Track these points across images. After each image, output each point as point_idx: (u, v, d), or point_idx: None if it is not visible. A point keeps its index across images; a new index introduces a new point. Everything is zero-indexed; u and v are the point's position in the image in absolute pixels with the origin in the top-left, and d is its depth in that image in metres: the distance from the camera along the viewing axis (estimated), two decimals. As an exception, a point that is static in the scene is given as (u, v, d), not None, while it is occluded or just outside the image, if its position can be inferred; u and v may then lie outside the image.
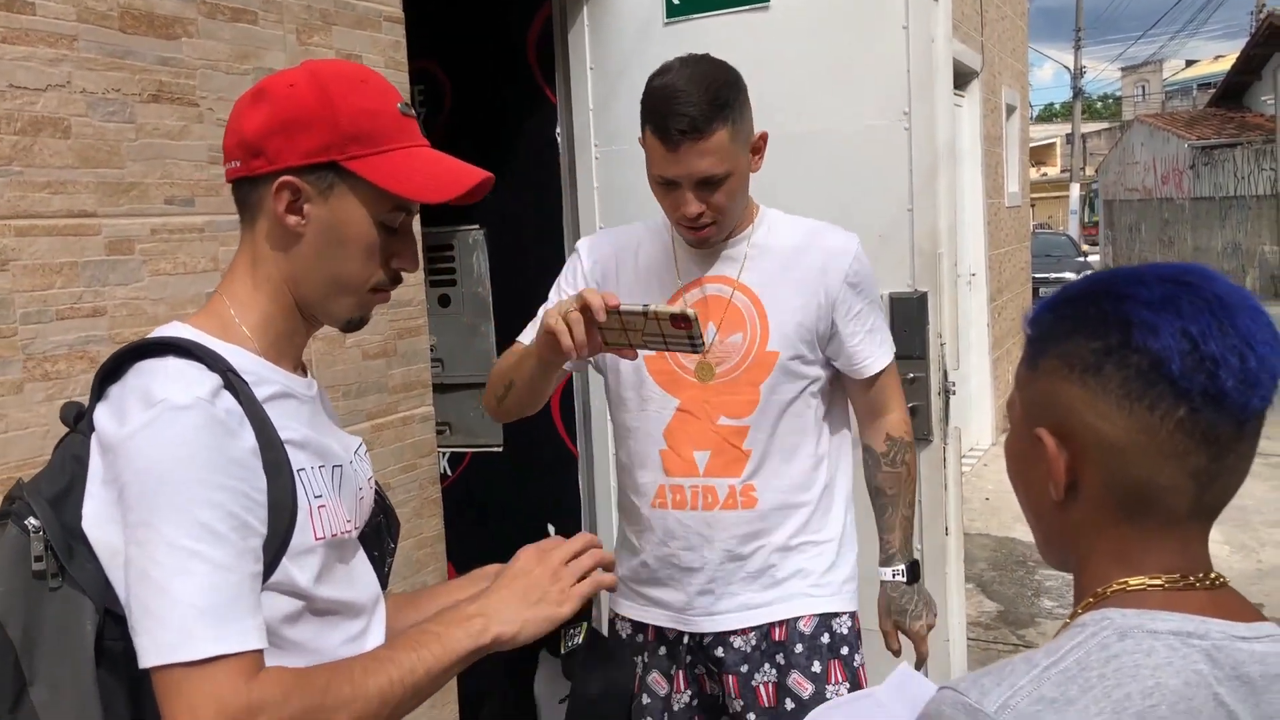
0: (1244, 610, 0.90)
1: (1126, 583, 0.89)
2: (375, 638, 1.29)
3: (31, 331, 1.67)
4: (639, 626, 2.12)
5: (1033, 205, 13.82)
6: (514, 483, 3.38)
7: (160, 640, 1.01)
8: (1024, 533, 6.45)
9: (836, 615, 2.05)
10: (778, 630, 2.03)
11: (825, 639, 2.04)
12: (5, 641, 1.05)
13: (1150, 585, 0.88)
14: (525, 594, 1.22)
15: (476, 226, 3.34)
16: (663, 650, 2.09)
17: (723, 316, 2.00)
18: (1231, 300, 0.86)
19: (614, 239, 2.15)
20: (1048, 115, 51.65)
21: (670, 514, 2.02)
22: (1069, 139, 30.13)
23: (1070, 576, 0.97)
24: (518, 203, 3.12)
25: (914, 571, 2.14)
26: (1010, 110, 9.36)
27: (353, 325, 1.26)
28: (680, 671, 2.08)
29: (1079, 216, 24.58)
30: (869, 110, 2.68)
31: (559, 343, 1.68)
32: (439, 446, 2.93)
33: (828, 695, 2.07)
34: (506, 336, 3.36)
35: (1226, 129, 22.08)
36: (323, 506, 1.18)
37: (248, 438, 1.09)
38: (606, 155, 3.04)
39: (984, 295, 8.31)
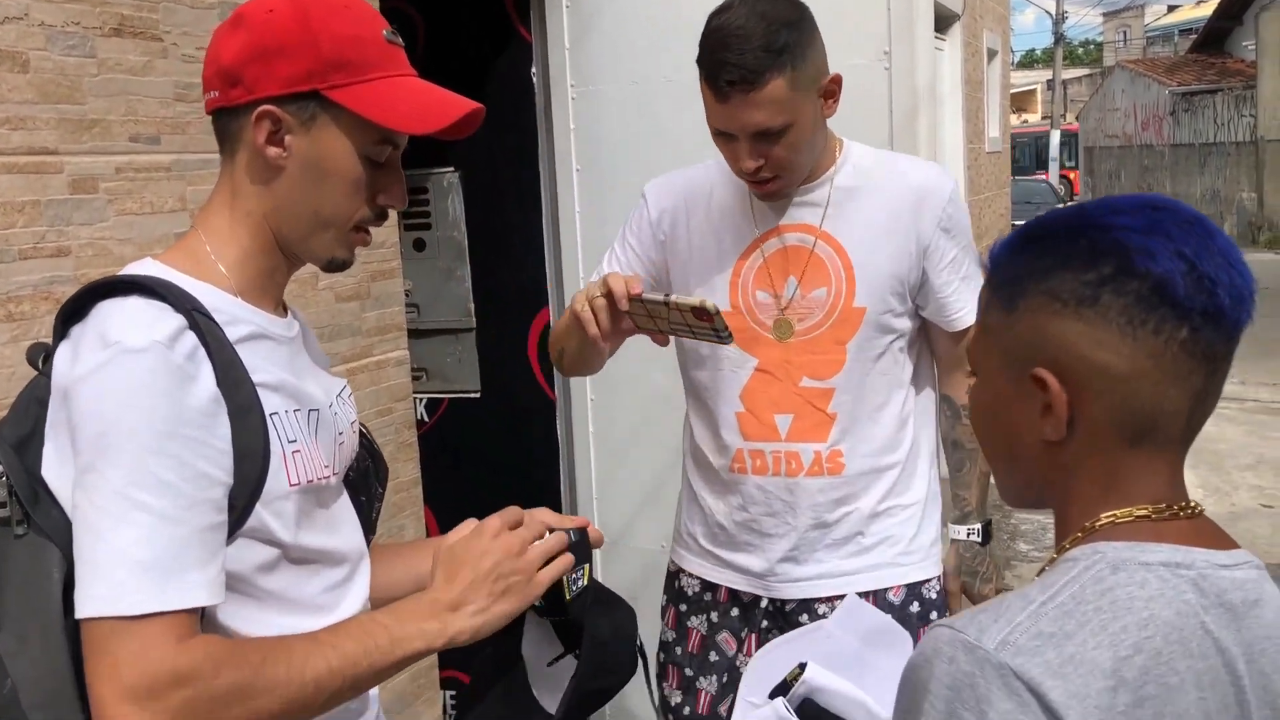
0: (1221, 538, 0.92)
1: (1115, 515, 0.89)
2: (359, 586, 1.26)
3: (-7, 272, 1.63)
4: (709, 585, 2.02)
5: (1013, 151, 13.80)
6: (491, 428, 3.37)
7: (96, 592, 0.97)
8: (1000, 477, 6.49)
9: (925, 582, 1.97)
10: (866, 597, 1.91)
11: (915, 607, 1.96)
12: None
13: (1139, 516, 0.89)
14: (490, 582, 1.15)
15: (451, 169, 3.30)
16: (735, 612, 2.01)
17: (804, 269, 1.85)
18: (1205, 222, 0.89)
19: (684, 182, 1.98)
20: (1029, 61, 51.49)
21: (750, 479, 1.91)
22: (1050, 85, 30.00)
23: (1045, 519, 0.97)
24: (493, 144, 3.08)
25: (988, 532, 2.04)
26: (991, 55, 9.30)
27: (335, 265, 1.21)
28: (752, 635, 1.99)
29: (1058, 163, 24.53)
30: (848, 49, 2.64)
31: (585, 329, 1.63)
32: (415, 392, 2.91)
33: None
34: (482, 281, 3.34)
35: (1207, 75, 22.07)
36: (297, 451, 1.14)
37: (208, 383, 1.04)
38: (583, 95, 3.00)
39: (963, 241, 8.30)
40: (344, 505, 1.27)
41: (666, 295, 1.57)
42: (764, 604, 1.96)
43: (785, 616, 1.96)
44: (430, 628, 1.11)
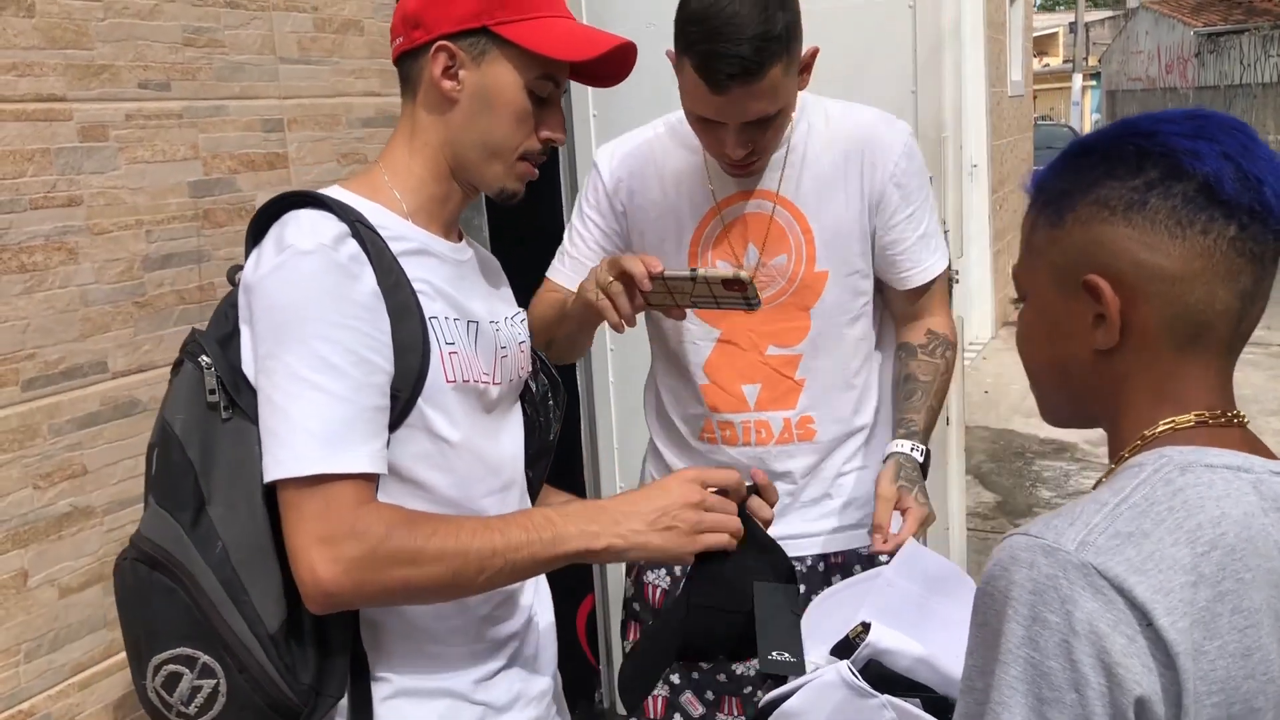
0: (1265, 448, 0.94)
1: (1175, 422, 0.91)
2: (515, 499, 1.38)
3: (4, 222, 1.60)
4: None
5: (1035, 96, 13.59)
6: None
7: (279, 457, 1.13)
8: (1022, 425, 6.46)
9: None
10: (835, 555, 1.91)
11: (884, 558, 1.84)
12: (186, 462, 1.18)
13: (1198, 422, 0.91)
14: (657, 518, 1.22)
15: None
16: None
17: (765, 237, 1.80)
18: (1248, 128, 0.90)
19: (635, 147, 1.90)
20: (1050, 4, 50.58)
21: (720, 449, 1.88)
22: (1072, 28, 29.51)
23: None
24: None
25: (928, 461, 1.93)
26: (1014, -4, 9.13)
27: (506, 195, 1.35)
28: None
29: (1080, 108, 24.20)
30: (872, -14, 2.58)
31: (602, 316, 1.58)
32: (434, 342, 2.88)
33: None
34: (501, 231, 3.30)
35: (1234, 14, 21.63)
36: (454, 353, 1.26)
37: (369, 282, 1.19)
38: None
39: (985, 187, 8.20)
40: (511, 417, 1.40)
41: (693, 270, 1.53)
42: None
43: None
44: (590, 529, 1.20)
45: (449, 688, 1.30)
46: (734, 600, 1.27)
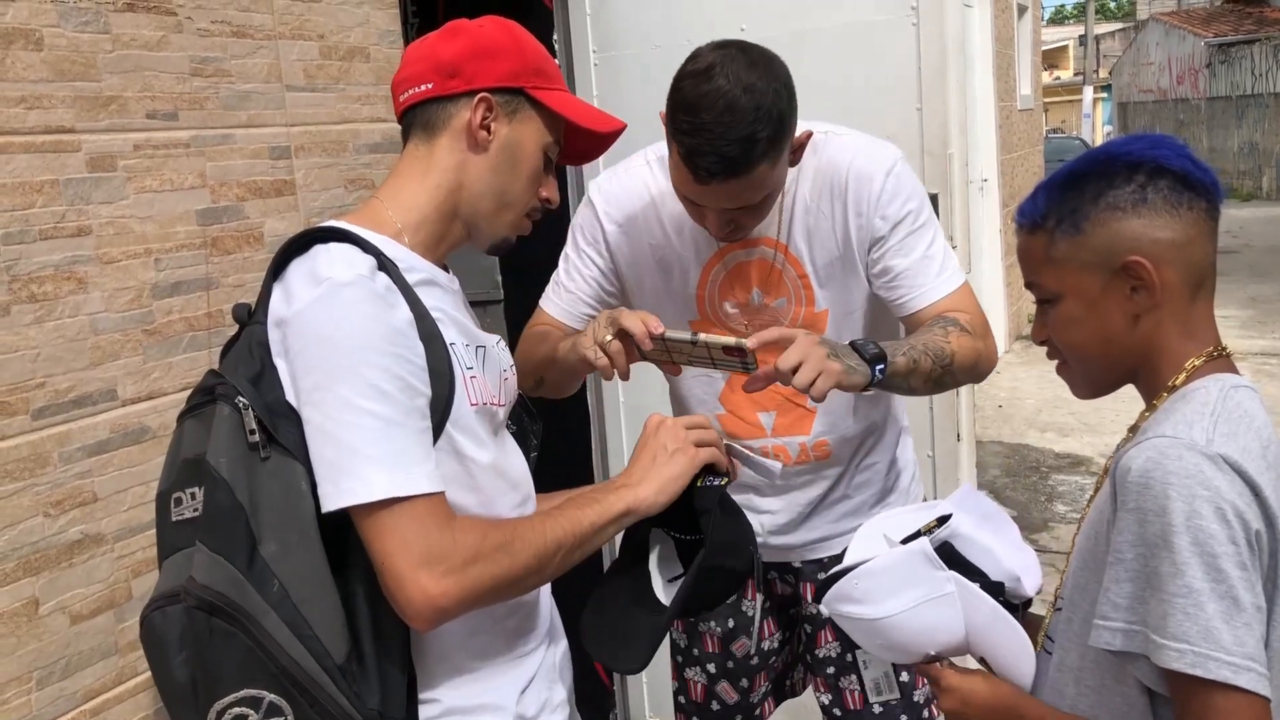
0: (1235, 369, 1.28)
1: (1206, 355, 1.23)
2: (531, 509, 1.43)
3: (15, 252, 1.62)
4: None
5: (1045, 109, 13.57)
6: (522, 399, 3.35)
7: (344, 486, 1.15)
8: (1037, 439, 6.43)
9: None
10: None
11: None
12: (237, 504, 1.18)
13: (1219, 356, 1.24)
14: (655, 457, 1.38)
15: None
16: None
17: (765, 281, 1.84)
18: (1175, 138, 1.25)
19: (631, 191, 1.88)
20: (1060, 18, 50.52)
21: (741, 470, 1.85)
22: (1082, 40, 29.48)
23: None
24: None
25: (876, 377, 1.59)
26: (1021, 11, 9.14)
27: (504, 245, 1.42)
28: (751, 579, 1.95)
29: (1092, 120, 24.14)
30: (874, 5, 2.59)
31: (601, 373, 1.58)
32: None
33: None
34: (510, 253, 3.32)
35: (1244, 25, 21.57)
36: (474, 377, 1.31)
37: (404, 310, 1.22)
38: (605, 61, 2.95)
39: (996, 201, 8.19)
40: (509, 437, 1.45)
41: (695, 335, 1.52)
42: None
43: (778, 564, 2.03)
44: (623, 493, 1.35)
45: (491, 702, 1.34)
46: (738, 555, 1.47)
